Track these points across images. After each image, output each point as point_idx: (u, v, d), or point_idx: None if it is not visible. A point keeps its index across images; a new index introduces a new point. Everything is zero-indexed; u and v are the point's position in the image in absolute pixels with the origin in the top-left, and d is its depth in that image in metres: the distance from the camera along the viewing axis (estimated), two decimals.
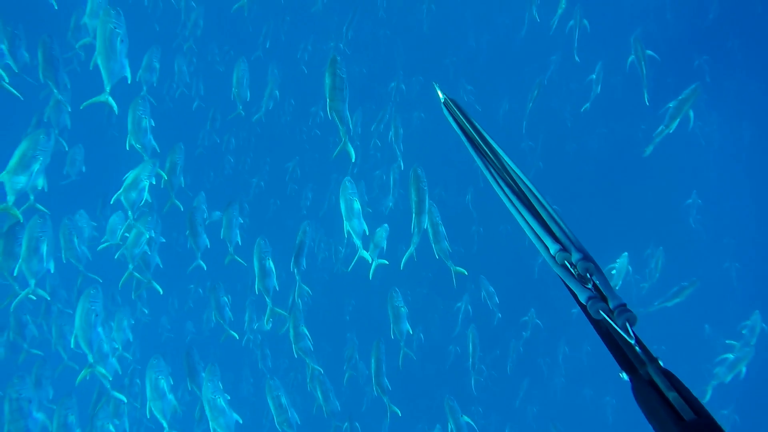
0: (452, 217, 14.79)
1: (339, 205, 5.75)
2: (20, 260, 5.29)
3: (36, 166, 4.77)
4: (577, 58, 10.01)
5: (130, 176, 5.78)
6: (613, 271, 8.68)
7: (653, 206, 15.96)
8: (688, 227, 13.86)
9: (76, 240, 6.61)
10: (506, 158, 1.69)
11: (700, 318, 13.20)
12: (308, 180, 13.25)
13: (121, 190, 5.78)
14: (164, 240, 6.77)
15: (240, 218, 7.27)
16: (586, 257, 1.31)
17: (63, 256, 6.55)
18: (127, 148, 5.71)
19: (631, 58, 8.67)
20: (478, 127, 1.81)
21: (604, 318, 1.16)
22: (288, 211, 13.53)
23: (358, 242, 5.76)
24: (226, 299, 7.83)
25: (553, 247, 1.37)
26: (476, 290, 11.63)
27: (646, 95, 8.71)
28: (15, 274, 5.29)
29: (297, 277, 6.92)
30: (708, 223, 14.26)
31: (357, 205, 5.71)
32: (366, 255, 5.86)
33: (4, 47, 4.96)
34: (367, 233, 5.85)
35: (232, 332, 7.46)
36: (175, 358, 8.27)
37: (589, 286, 1.27)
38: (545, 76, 12.12)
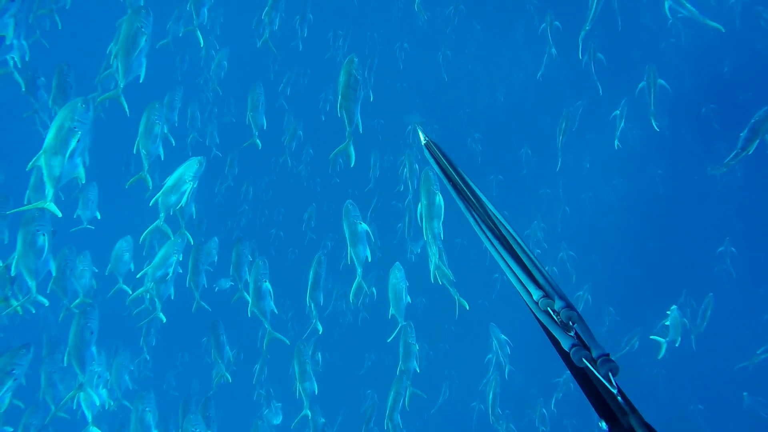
0: (475, 265, 14.42)
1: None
2: (16, 256, 4.85)
3: (74, 142, 4.14)
4: (600, 90, 10.00)
5: (172, 176, 5.28)
6: (667, 322, 8.47)
7: (686, 254, 15.46)
8: (720, 275, 13.35)
9: (68, 272, 6.23)
10: (487, 203, 1.70)
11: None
12: (327, 229, 13.06)
13: (161, 192, 5.26)
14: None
15: (249, 256, 7.01)
16: (569, 305, 1.32)
17: (50, 284, 6.03)
18: (134, 152, 5.41)
19: (642, 84, 8.64)
20: (460, 170, 1.81)
21: (587, 366, 1.16)
22: (307, 261, 13.19)
23: (359, 269, 5.56)
24: (225, 338, 7.47)
25: (536, 293, 1.38)
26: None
27: (654, 122, 8.74)
28: (13, 274, 4.89)
29: (314, 312, 6.60)
30: (742, 272, 13.71)
31: (361, 228, 5.52)
32: (364, 285, 5.67)
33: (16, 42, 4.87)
34: (370, 260, 5.65)
35: (226, 374, 7.09)
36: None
37: (572, 334, 1.27)
38: (574, 107, 12.02)
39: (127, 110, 4.91)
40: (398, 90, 15.31)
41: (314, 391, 6.68)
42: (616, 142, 10.66)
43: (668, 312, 8.57)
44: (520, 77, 16.25)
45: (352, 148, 5.16)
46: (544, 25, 10.31)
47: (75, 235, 6.65)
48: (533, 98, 15.89)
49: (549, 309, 1.34)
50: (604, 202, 17.23)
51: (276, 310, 6.17)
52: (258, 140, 7.20)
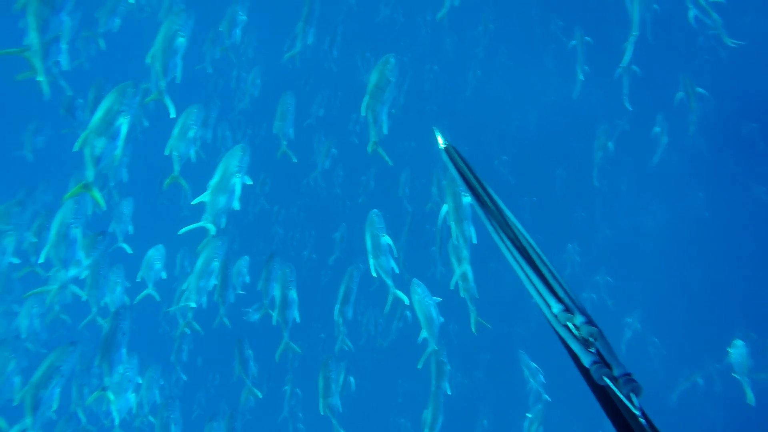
0: (511, 291, 14.02)
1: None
2: (48, 246, 4.89)
3: (121, 123, 4.21)
4: (628, 106, 9.77)
5: (217, 172, 5.03)
6: (731, 359, 7.71)
7: (739, 282, 14.70)
8: None
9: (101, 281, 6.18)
10: (507, 212, 1.67)
11: None
12: (357, 252, 12.94)
13: (208, 192, 4.95)
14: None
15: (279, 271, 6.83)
16: (590, 321, 1.30)
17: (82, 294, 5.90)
18: (166, 153, 5.29)
19: (680, 94, 8.38)
20: (479, 177, 1.80)
21: (608, 385, 1.15)
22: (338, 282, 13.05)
23: (389, 281, 5.30)
24: (250, 352, 7.31)
25: (555, 306, 1.36)
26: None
27: (692, 129, 8.75)
28: (41, 261, 4.95)
29: (341, 328, 6.38)
30: None
31: (384, 241, 5.30)
32: (401, 295, 5.34)
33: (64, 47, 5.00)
34: (397, 271, 5.40)
35: (255, 390, 6.86)
36: None
37: (593, 350, 1.24)
38: (612, 125, 11.75)
39: (172, 111, 4.87)
40: (428, 112, 15.35)
41: (338, 408, 6.42)
42: (655, 158, 10.37)
43: (730, 349, 7.73)
44: (553, 97, 16.13)
45: (381, 150, 4.99)
46: (574, 41, 10.19)
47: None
48: (566, 118, 15.71)
49: (569, 323, 1.32)
50: (643, 225, 16.69)
51: (298, 319, 5.96)
52: (289, 151, 7.00)
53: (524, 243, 1.57)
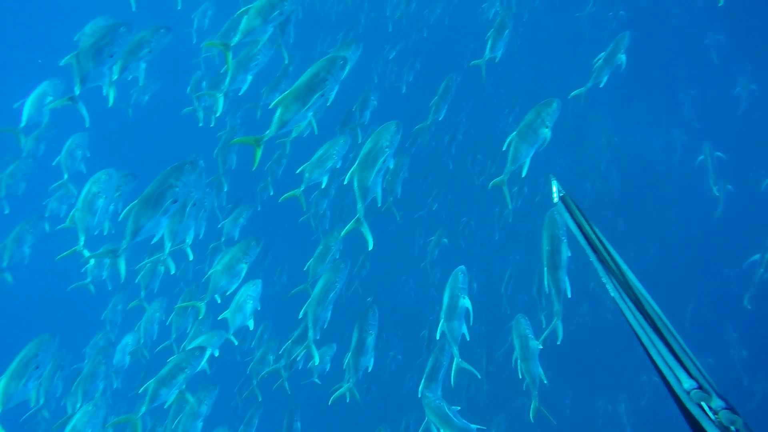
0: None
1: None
2: (74, 210, 5.23)
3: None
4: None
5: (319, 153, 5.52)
6: None
7: None
8: None
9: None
10: (629, 272, 1.53)
11: None
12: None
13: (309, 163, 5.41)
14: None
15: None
16: (731, 408, 1.23)
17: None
18: (296, 172, 5.53)
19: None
20: (598, 232, 1.64)
21: None
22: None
23: (455, 349, 4.81)
24: (299, 425, 6.99)
25: (687, 382, 1.29)
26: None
27: (714, 188, 9.18)
28: (68, 224, 5.23)
29: (351, 380, 5.37)
30: None
31: (462, 303, 4.80)
32: (466, 365, 4.88)
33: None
34: (468, 339, 4.89)
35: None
36: None
37: None
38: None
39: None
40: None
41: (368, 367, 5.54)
42: (714, 189, 10.33)
43: None
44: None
45: (366, 230, 4.43)
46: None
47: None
48: None
49: (704, 404, 1.24)
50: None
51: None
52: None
53: (648, 308, 1.44)
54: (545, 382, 4.59)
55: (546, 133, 4.54)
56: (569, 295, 4.14)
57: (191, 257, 5.15)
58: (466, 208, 12.99)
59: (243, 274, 5.55)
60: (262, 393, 6.54)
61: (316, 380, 6.52)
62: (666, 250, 14.68)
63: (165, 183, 4.27)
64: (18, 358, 5.06)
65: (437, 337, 4.91)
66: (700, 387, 1.27)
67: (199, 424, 5.89)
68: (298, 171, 5.56)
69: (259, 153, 4.39)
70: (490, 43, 6.34)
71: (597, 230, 1.66)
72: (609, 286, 1.54)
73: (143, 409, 4.93)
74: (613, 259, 1.57)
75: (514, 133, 4.62)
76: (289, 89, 4.35)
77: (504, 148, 4.60)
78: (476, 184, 12.24)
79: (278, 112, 4.27)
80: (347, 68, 4.48)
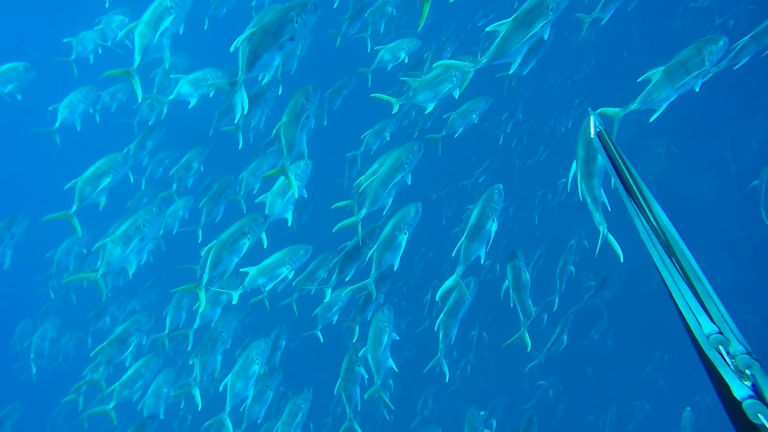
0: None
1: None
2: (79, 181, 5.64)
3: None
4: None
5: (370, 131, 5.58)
6: None
7: None
8: None
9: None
10: (662, 214, 1.50)
11: None
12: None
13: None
14: None
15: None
16: (750, 353, 1.22)
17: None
18: (272, 136, 5.45)
19: (755, 182, 8.59)
20: (633, 171, 1.61)
21: (765, 425, 1.06)
22: None
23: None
24: (283, 342, 6.87)
25: (707, 327, 1.28)
26: None
27: (763, 213, 8.68)
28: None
29: (348, 410, 5.25)
30: None
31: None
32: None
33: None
34: (396, 370, 5.08)
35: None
36: None
37: (748, 384, 1.15)
38: None
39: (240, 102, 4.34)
40: None
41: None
42: (763, 214, 9.86)
43: None
44: None
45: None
46: (756, 182, 9.86)
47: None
48: None
49: (722, 348, 1.24)
50: None
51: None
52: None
53: (677, 252, 1.42)
54: (533, 314, 4.69)
55: (699, 75, 3.64)
56: (608, 207, 3.63)
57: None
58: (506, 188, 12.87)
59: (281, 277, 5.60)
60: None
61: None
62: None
63: (286, 17, 3.94)
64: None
65: (360, 369, 5.10)
66: (720, 333, 1.27)
67: (218, 310, 6.18)
68: (273, 135, 5.06)
69: (237, 99, 4.05)
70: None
71: (632, 169, 1.64)
72: (639, 227, 1.52)
73: (206, 276, 4.96)
74: (645, 199, 1.56)
75: (661, 68, 3.79)
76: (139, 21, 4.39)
77: (639, 80, 3.82)
78: (519, 166, 12.17)
79: (136, 42, 4.26)
80: (317, 13, 4.07)
